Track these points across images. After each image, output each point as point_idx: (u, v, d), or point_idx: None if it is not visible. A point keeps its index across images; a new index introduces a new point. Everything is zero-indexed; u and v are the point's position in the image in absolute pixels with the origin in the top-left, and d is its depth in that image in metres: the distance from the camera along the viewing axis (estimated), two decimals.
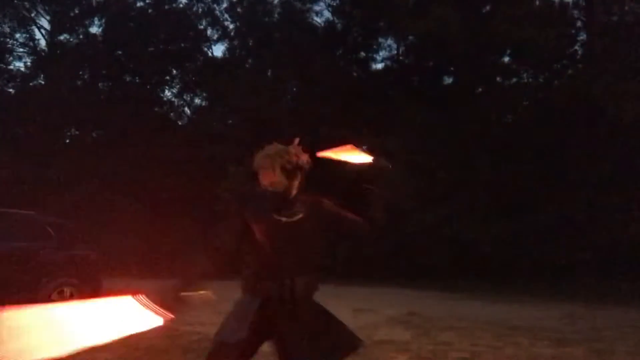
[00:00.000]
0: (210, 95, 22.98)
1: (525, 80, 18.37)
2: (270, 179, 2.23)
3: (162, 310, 2.08)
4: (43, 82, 22.95)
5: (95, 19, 23.57)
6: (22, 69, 23.00)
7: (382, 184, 2.37)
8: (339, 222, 2.32)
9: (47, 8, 22.81)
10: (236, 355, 2.16)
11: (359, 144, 2.40)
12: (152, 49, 23.05)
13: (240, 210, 2.24)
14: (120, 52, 23.22)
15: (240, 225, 2.23)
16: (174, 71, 24.24)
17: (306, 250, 2.23)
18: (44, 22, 23.04)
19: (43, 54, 23.26)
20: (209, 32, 24.33)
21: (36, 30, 23.09)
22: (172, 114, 24.58)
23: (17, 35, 22.92)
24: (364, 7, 20.02)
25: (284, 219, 2.19)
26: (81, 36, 23.45)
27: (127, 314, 2.04)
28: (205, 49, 24.42)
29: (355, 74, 21.65)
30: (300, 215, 2.22)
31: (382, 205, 2.36)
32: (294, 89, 21.93)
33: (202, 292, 2.17)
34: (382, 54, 21.55)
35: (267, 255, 2.18)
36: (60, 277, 6.83)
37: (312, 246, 2.26)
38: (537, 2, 16.66)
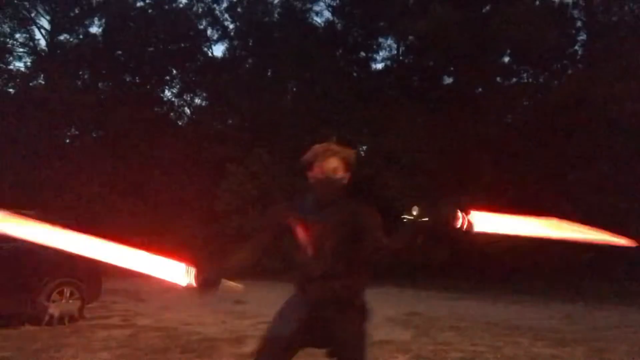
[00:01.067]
0: (210, 95, 22.97)
1: (525, 80, 18.37)
2: (334, 164, 2.24)
3: (196, 282, 2.19)
4: (43, 82, 22.93)
5: (95, 19, 23.55)
6: (22, 69, 23.00)
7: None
8: (366, 234, 2.20)
9: (47, 8, 22.78)
10: (281, 348, 2.22)
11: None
12: (152, 49, 23.03)
13: (274, 221, 2.33)
14: (120, 52, 23.20)
15: (267, 239, 2.35)
16: (174, 71, 24.20)
17: (345, 252, 2.21)
18: (44, 22, 23.04)
19: (43, 54, 23.24)
20: (209, 32, 24.33)
21: (36, 30, 23.08)
22: (172, 114, 24.56)
23: (17, 35, 22.88)
24: (364, 7, 20.01)
25: (324, 220, 2.22)
26: (81, 36, 23.42)
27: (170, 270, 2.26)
28: (205, 49, 24.42)
29: (355, 74, 21.64)
30: (339, 217, 2.22)
31: (407, 242, 2.14)
32: (294, 89, 21.92)
33: (235, 284, 2.25)
34: (382, 54, 21.56)
35: (309, 257, 2.22)
36: (60, 277, 6.83)
37: (350, 248, 2.22)
38: (537, 2, 16.65)
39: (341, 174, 2.25)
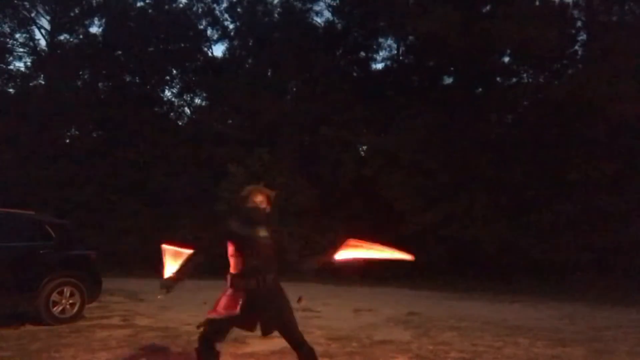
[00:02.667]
0: (210, 95, 22.97)
1: (525, 80, 18.34)
2: (261, 199, 3.42)
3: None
4: (43, 82, 22.94)
5: (95, 19, 23.59)
6: (22, 69, 23.03)
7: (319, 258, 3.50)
8: (281, 245, 3.48)
9: (47, 8, 22.80)
10: (230, 325, 3.37)
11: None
12: (152, 49, 23.04)
13: (225, 230, 3.40)
14: (120, 52, 23.22)
15: (223, 237, 3.39)
16: (174, 71, 24.22)
17: (270, 256, 3.40)
18: (44, 22, 23.07)
19: (43, 54, 23.25)
20: (209, 32, 24.36)
21: (36, 30, 23.11)
22: (172, 114, 24.59)
23: (17, 35, 22.92)
24: (364, 7, 20.00)
25: (260, 235, 3.37)
26: (81, 36, 23.45)
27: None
28: (205, 49, 24.43)
29: (355, 74, 21.64)
30: (267, 234, 3.40)
31: (300, 261, 3.53)
32: (294, 89, 21.93)
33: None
34: (382, 54, 21.57)
35: (248, 260, 3.33)
36: (60, 277, 6.83)
37: (273, 254, 3.42)
38: (537, 2, 16.61)
39: (265, 204, 3.42)
